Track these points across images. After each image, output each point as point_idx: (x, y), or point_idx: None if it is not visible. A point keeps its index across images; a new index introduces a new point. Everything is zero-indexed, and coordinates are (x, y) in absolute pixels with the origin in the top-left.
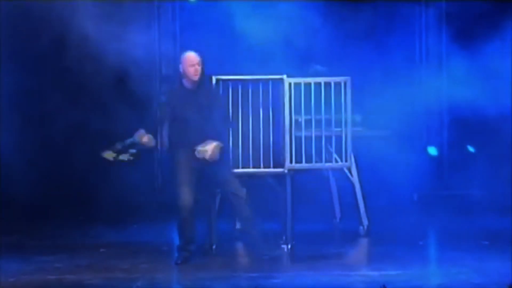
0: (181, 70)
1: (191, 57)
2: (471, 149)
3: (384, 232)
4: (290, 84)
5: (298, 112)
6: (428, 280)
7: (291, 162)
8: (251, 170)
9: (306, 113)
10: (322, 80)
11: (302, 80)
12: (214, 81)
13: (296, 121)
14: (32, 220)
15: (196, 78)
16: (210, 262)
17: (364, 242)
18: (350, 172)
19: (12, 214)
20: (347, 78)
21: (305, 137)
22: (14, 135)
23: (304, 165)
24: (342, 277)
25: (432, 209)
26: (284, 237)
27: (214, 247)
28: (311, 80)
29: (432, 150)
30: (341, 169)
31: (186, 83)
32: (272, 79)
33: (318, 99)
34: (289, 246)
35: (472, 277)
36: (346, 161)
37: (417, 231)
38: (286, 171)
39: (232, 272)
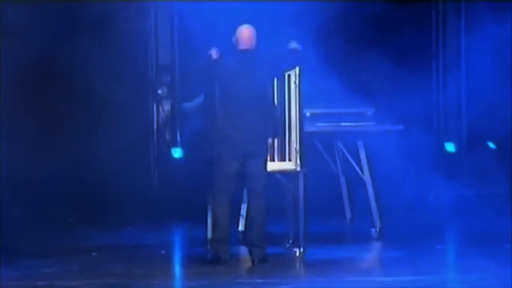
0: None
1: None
2: (491, 145)
3: (398, 235)
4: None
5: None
6: (446, 287)
7: (301, 159)
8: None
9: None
10: None
11: None
12: None
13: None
14: (18, 221)
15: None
16: (211, 267)
17: (377, 245)
18: (361, 169)
19: None
20: None
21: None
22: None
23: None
24: (355, 283)
25: (449, 210)
26: (290, 240)
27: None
28: None
29: (450, 147)
30: (352, 167)
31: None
32: None
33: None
34: (301, 250)
35: (492, 284)
36: None
37: (434, 233)
38: (298, 169)
39: (235, 278)
